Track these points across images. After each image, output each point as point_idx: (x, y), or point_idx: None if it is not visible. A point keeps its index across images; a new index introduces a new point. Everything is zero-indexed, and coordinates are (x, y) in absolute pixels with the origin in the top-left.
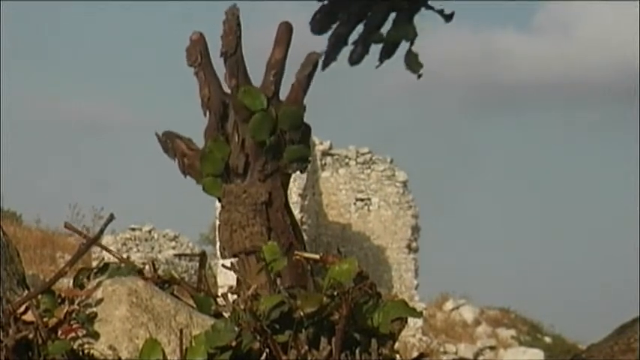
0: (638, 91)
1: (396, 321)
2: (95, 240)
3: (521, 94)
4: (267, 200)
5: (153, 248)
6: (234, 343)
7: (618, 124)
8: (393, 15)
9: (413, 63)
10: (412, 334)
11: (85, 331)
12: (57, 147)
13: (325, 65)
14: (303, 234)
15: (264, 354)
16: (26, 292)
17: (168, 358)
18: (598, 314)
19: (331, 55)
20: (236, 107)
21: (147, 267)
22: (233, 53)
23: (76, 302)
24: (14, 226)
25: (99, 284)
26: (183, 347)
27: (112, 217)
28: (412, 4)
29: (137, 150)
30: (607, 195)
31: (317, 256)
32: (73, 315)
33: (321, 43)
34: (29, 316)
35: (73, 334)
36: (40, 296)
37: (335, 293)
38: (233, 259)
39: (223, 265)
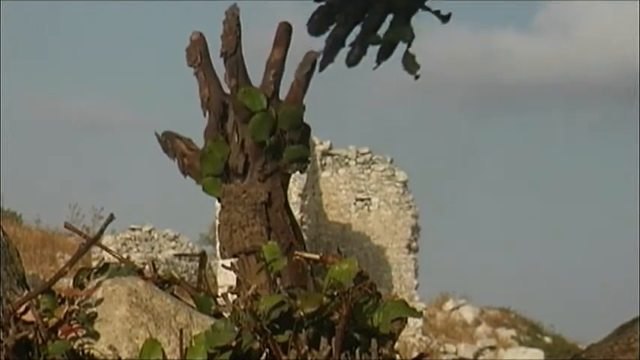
0: (638, 91)
1: (396, 321)
2: (95, 240)
3: (521, 94)
4: (267, 200)
5: (153, 248)
6: (234, 343)
7: (618, 124)
8: (390, 16)
9: (410, 64)
10: (412, 334)
11: (85, 331)
12: (57, 147)
13: (322, 67)
14: (303, 234)
15: (264, 354)
16: (26, 292)
17: (168, 358)
18: (598, 314)
19: (329, 56)
20: (236, 107)
21: (147, 267)
22: (233, 53)
23: (76, 302)
24: (14, 226)
25: (99, 284)
26: (183, 347)
27: (112, 217)
28: (409, 5)
29: (137, 150)
30: (607, 195)
31: (317, 256)
32: (73, 315)
33: (320, 43)
34: (29, 316)
35: (73, 334)
36: (40, 296)
37: (335, 293)
38: (233, 259)
39: (223, 265)
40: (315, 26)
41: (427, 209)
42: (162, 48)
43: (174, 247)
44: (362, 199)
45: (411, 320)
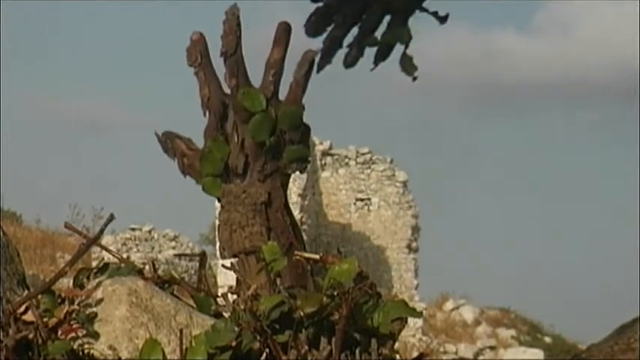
0: (638, 91)
1: (396, 321)
2: (95, 240)
3: (521, 94)
4: (267, 200)
5: (153, 248)
6: (234, 343)
7: (618, 124)
8: (387, 18)
9: (408, 65)
10: (412, 334)
11: (85, 331)
12: (57, 147)
13: (320, 68)
14: (303, 234)
15: (264, 354)
16: (26, 292)
17: (168, 358)
18: (598, 314)
19: (326, 57)
20: (236, 107)
21: (147, 267)
22: (233, 53)
23: (76, 302)
24: (14, 226)
25: (99, 284)
26: (183, 347)
27: (112, 217)
28: (407, 6)
29: (137, 150)
30: (607, 195)
31: (317, 256)
32: (73, 315)
33: (319, 42)
34: (29, 316)
35: (73, 334)
36: (40, 296)
37: (335, 293)
38: (233, 259)
39: (223, 265)
40: (313, 27)
41: (427, 209)
42: (162, 48)
43: (174, 247)
44: (362, 199)
45: (411, 320)
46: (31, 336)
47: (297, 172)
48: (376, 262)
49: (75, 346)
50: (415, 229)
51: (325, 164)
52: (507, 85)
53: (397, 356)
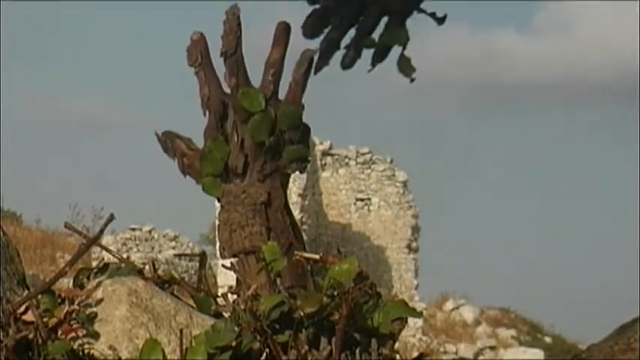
0: (639, 91)
1: (396, 321)
2: (95, 240)
3: (521, 94)
4: (267, 200)
5: (153, 248)
6: (234, 343)
7: (618, 124)
8: (385, 19)
9: (406, 67)
10: (412, 334)
11: (85, 331)
12: (57, 147)
13: (317, 69)
14: (303, 234)
15: (264, 354)
16: (26, 292)
17: (168, 358)
18: (598, 314)
19: (323, 59)
20: (235, 107)
21: (147, 267)
22: (233, 53)
23: (76, 302)
24: (14, 226)
25: (99, 284)
26: (183, 347)
27: (112, 217)
28: (404, 7)
29: (137, 150)
30: (607, 195)
31: (317, 256)
32: (73, 315)
33: (317, 44)
34: (29, 316)
35: (73, 334)
36: (40, 296)
37: (335, 293)
38: (233, 259)
39: (223, 265)
40: (310, 29)
41: (427, 209)
42: (162, 48)
43: (174, 247)
44: (362, 199)
45: (411, 320)
46: (31, 336)
47: (297, 172)
48: (376, 262)
49: (75, 346)
50: (415, 229)
51: (325, 164)
52: (507, 85)
53: (397, 356)
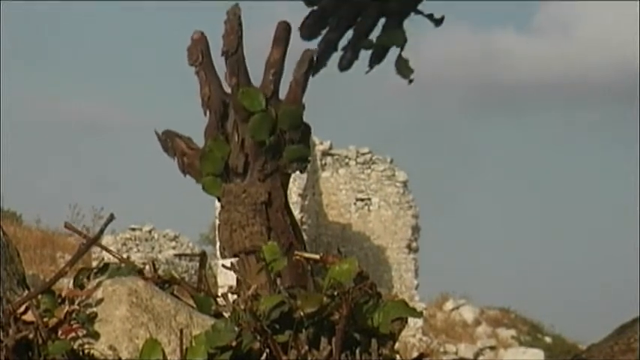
0: (639, 91)
1: (396, 321)
2: (95, 240)
3: (521, 94)
4: (267, 200)
5: (153, 248)
6: (234, 343)
7: (618, 124)
8: (382, 20)
9: (403, 68)
10: (412, 334)
11: (85, 331)
12: (57, 147)
13: (315, 71)
14: (303, 234)
15: (264, 354)
16: (26, 292)
17: (169, 358)
18: (598, 314)
19: (321, 61)
20: (236, 107)
21: (147, 267)
22: (234, 52)
23: (76, 302)
24: (14, 226)
25: (99, 284)
26: (184, 347)
27: (112, 217)
28: (402, 9)
29: (137, 150)
30: (607, 195)
31: (317, 256)
32: (73, 315)
33: (315, 45)
34: (29, 316)
35: (73, 334)
36: (40, 296)
37: (335, 293)
38: (233, 259)
39: (223, 265)
40: (308, 31)
41: (427, 209)
42: (162, 48)
43: (174, 247)
44: (362, 199)
45: (411, 320)
46: (31, 336)
47: (298, 172)
48: (376, 262)
49: (75, 346)
50: (415, 229)
51: (325, 164)
52: (507, 85)
53: (397, 356)
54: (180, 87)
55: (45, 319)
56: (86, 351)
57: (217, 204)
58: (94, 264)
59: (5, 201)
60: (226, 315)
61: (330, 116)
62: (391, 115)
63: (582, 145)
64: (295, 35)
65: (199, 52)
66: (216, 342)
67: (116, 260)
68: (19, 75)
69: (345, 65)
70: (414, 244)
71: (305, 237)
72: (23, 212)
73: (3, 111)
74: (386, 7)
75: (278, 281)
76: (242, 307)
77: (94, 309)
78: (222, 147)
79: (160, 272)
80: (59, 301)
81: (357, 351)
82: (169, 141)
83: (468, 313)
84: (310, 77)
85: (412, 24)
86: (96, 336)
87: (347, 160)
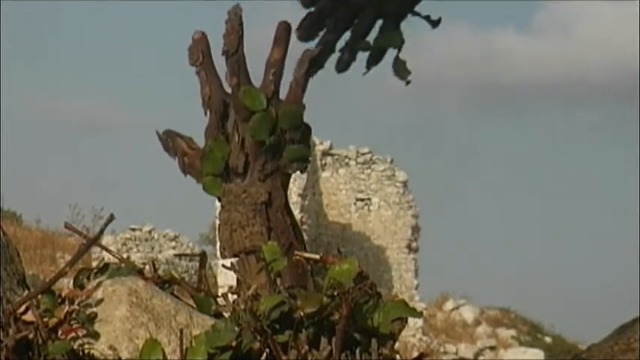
0: (639, 91)
1: (396, 321)
2: (95, 240)
3: (521, 94)
4: (267, 200)
5: (153, 248)
6: (234, 343)
7: (618, 124)
8: (380, 22)
9: (401, 70)
10: (412, 334)
11: (85, 331)
12: (57, 147)
13: (312, 73)
14: (303, 234)
15: (264, 354)
16: (26, 292)
17: (169, 358)
18: (598, 314)
19: (318, 62)
20: (236, 107)
21: (147, 267)
22: (235, 52)
23: (76, 302)
24: (14, 226)
25: (99, 284)
26: (184, 347)
27: (112, 217)
28: (399, 10)
29: (137, 150)
30: (607, 195)
31: (317, 256)
32: (73, 315)
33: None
34: (29, 316)
35: (73, 334)
36: (40, 296)
37: (335, 293)
38: (233, 259)
39: (223, 265)
40: (305, 32)
41: (427, 209)
42: (162, 48)
43: (174, 247)
44: (362, 199)
45: (411, 320)
46: (31, 336)
47: (298, 172)
48: (376, 262)
49: (75, 346)
50: (415, 229)
51: (325, 164)
52: (507, 85)
53: (397, 356)
54: (181, 87)
55: (45, 319)
56: (86, 351)
57: (217, 204)
58: (94, 264)
59: (5, 201)
60: (226, 315)
61: (331, 116)
62: (391, 115)
63: (582, 145)
64: (295, 35)
65: (200, 52)
66: (216, 342)
67: (116, 260)
68: (19, 75)
69: (342, 67)
70: (414, 244)
71: (305, 237)
72: (23, 212)
73: (3, 111)
74: (383, 9)
75: (278, 281)
76: (242, 307)
77: (94, 309)
78: (222, 147)
79: (160, 272)
80: (59, 301)
81: (357, 351)
82: (170, 141)
83: (468, 313)
84: (311, 74)
85: (409, 25)
86: (96, 336)
87: (347, 160)
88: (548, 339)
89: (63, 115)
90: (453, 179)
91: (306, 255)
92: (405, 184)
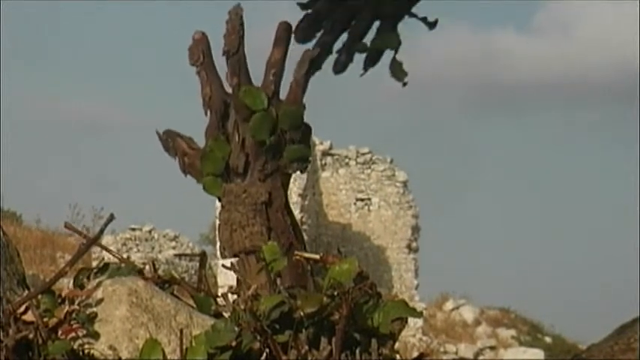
0: (639, 91)
1: (396, 321)
2: (95, 240)
3: (521, 94)
4: (267, 200)
5: (153, 248)
6: (234, 343)
7: (618, 124)
8: (377, 23)
9: (398, 71)
10: (412, 334)
11: (85, 331)
12: (57, 147)
13: (311, 74)
14: (303, 234)
15: (264, 354)
16: (26, 292)
17: (169, 358)
18: (598, 314)
19: (316, 63)
20: (237, 106)
21: (147, 267)
22: (235, 52)
23: (76, 302)
24: (14, 226)
25: (99, 284)
26: (184, 347)
27: (112, 217)
28: (396, 12)
29: (137, 150)
30: (607, 195)
31: (317, 256)
32: (73, 315)
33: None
34: (29, 316)
35: (73, 334)
36: (40, 296)
37: (335, 293)
38: (233, 259)
39: (223, 265)
40: (302, 34)
41: (427, 209)
42: (162, 48)
43: (174, 247)
44: (362, 199)
45: (411, 320)
46: (31, 336)
47: (298, 172)
48: (376, 262)
49: (75, 346)
50: (415, 229)
51: (325, 164)
52: (507, 85)
53: (397, 356)
54: (181, 87)
55: (45, 319)
56: (86, 351)
57: (218, 204)
58: (94, 264)
59: (5, 201)
60: (226, 315)
61: (331, 116)
62: (391, 115)
63: (582, 145)
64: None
65: (200, 52)
66: (216, 342)
67: (116, 260)
68: (19, 75)
69: (339, 68)
70: (414, 244)
71: (305, 237)
72: (23, 212)
73: (3, 111)
74: (380, 11)
75: (278, 281)
76: (242, 307)
77: (94, 309)
78: (222, 147)
79: (160, 272)
80: (59, 301)
81: (357, 351)
82: (171, 141)
83: (468, 313)
84: (311, 75)
85: (406, 27)
86: (96, 336)
87: (347, 160)
88: (548, 339)
89: (63, 115)
90: (452, 179)
91: (306, 255)
92: (405, 184)
